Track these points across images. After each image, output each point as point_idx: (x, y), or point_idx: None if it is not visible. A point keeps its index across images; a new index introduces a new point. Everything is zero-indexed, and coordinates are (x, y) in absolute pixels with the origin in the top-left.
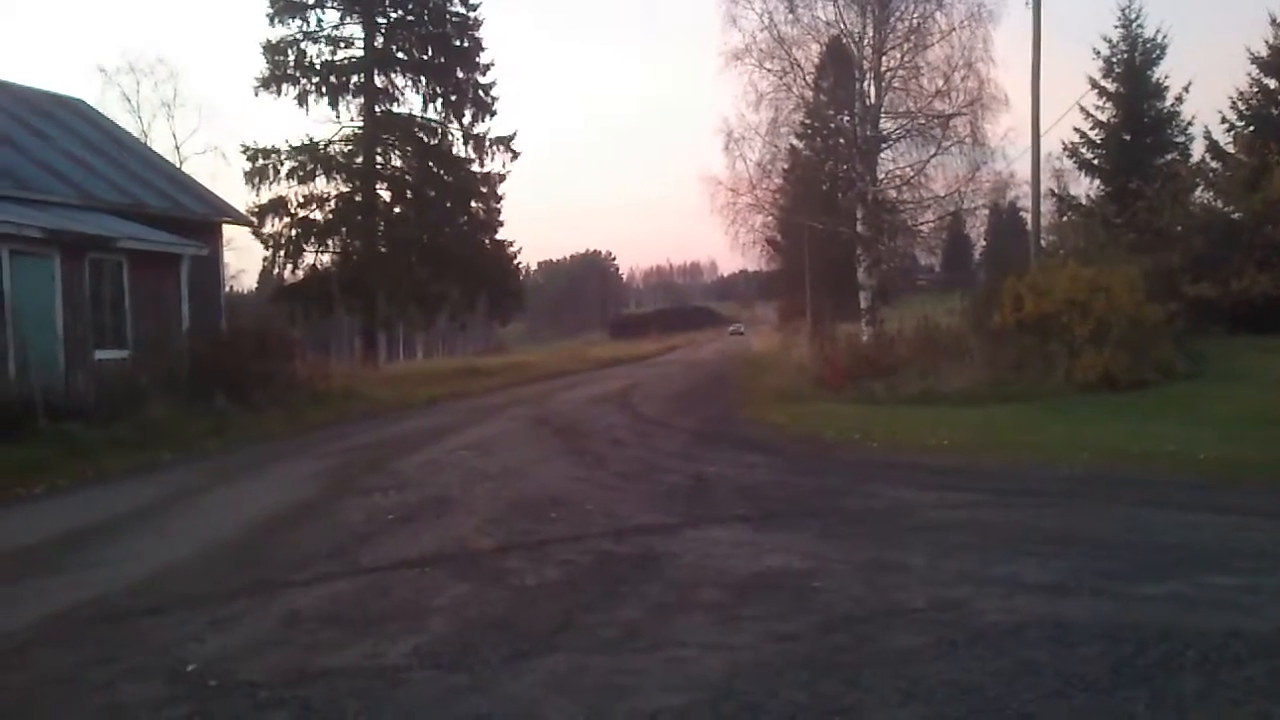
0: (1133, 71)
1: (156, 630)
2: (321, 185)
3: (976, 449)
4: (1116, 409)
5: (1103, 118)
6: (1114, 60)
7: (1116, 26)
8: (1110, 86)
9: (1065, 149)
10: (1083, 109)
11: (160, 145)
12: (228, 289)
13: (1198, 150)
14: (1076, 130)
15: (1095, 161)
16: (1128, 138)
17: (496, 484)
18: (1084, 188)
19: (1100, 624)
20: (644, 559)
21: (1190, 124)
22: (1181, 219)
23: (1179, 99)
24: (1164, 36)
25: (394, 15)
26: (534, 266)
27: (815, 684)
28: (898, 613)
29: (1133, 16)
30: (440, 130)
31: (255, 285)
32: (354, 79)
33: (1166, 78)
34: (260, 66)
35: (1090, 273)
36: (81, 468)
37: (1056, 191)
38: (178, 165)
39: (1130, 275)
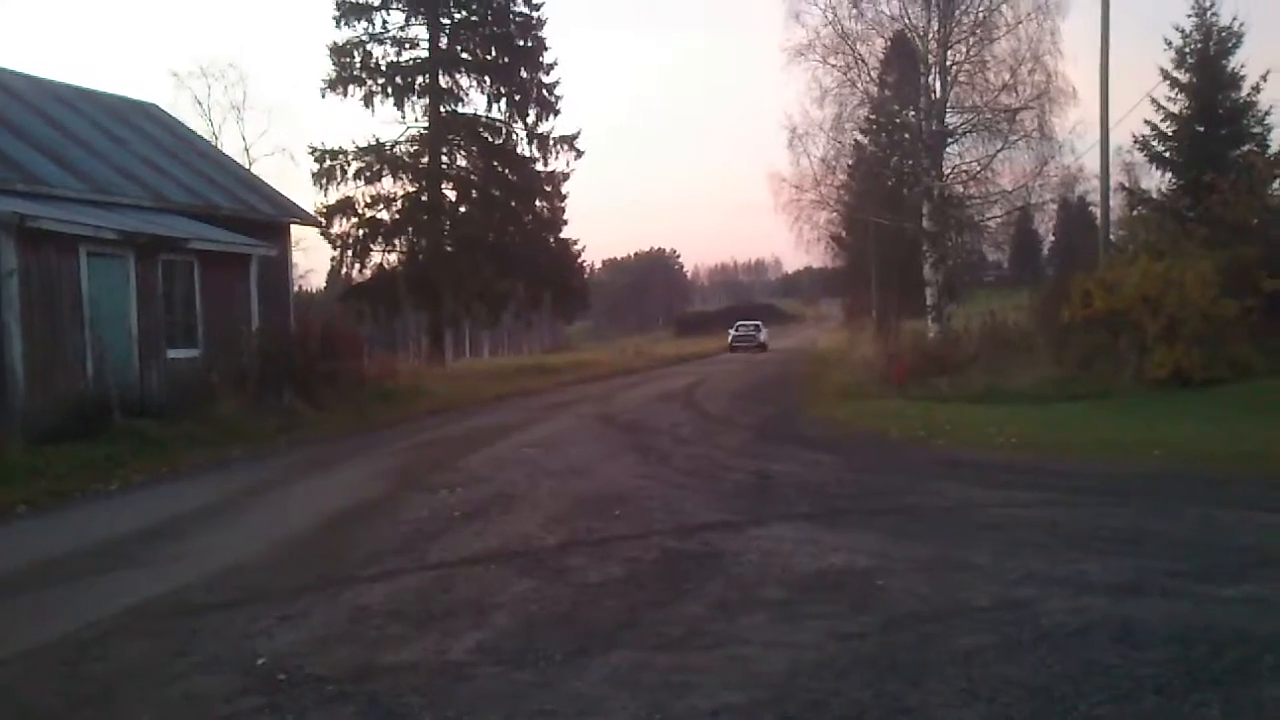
0: (1207, 61)
1: (229, 624)
2: (388, 185)
3: (1044, 447)
4: (1189, 407)
5: (1175, 109)
6: (1187, 50)
7: (1190, 15)
8: (1183, 77)
9: (1135, 142)
10: (1154, 101)
11: (230, 147)
12: (296, 288)
13: (1276, 141)
14: (1147, 123)
15: (1167, 154)
16: (1201, 129)
17: (561, 481)
18: (1155, 181)
19: (1172, 626)
20: (707, 557)
21: (1268, 114)
22: (1258, 212)
23: (1256, 88)
24: (1240, 24)
25: (458, 16)
26: (598, 264)
27: (879, 683)
28: (963, 612)
29: (1207, 4)
30: (504, 130)
31: (324, 284)
32: (419, 80)
33: (1243, 67)
34: (327, 68)
35: (1162, 268)
36: (155, 464)
37: (1127, 185)
38: (247, 167)
39: (1204, 270)
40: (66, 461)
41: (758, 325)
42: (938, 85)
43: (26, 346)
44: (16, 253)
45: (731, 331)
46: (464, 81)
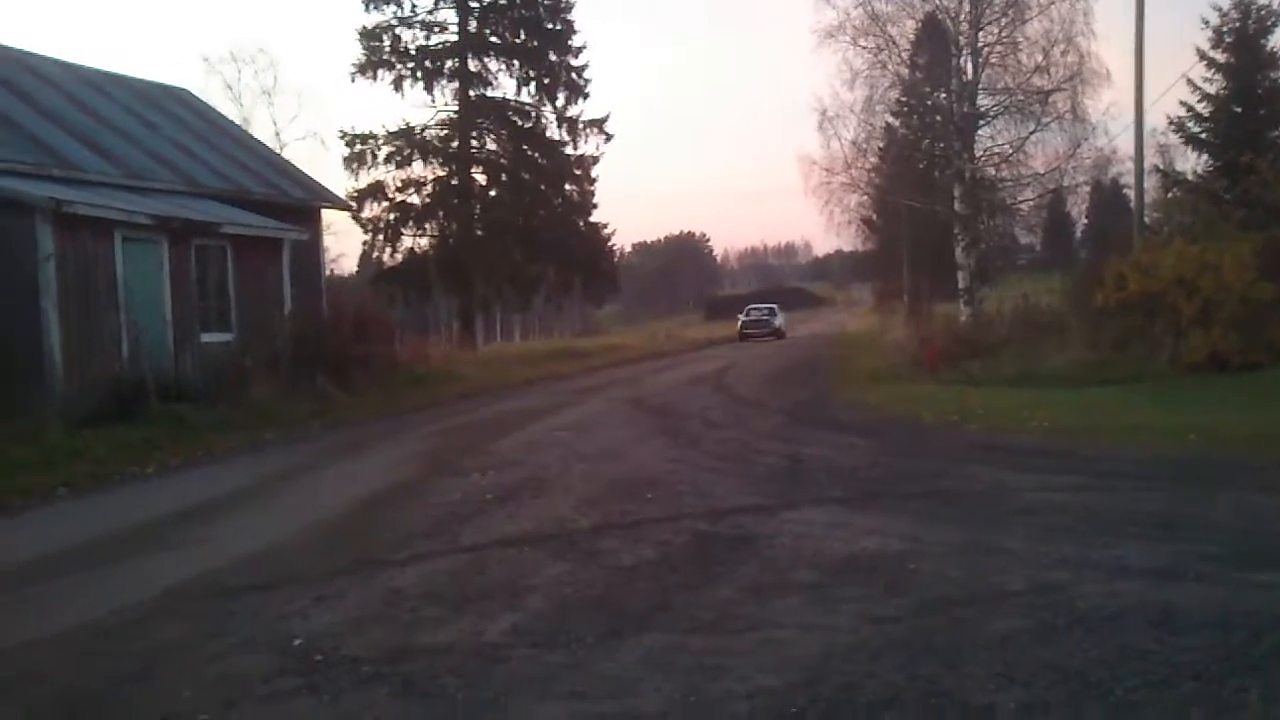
0: (1245, 41)
1: (265, 605)
2: (418, 169)
3: (1078, 431)
4: (1225, 391)
5: (1211, 90)
6: (1224, 30)
7: None
8: (1220, 57)
9: (1171, 123)
10: (1190, 82)
11: (261, 132)
12: (328, 272)
13: None
14: (1183, 104)
15: (1203, 136)
16: (1239, 110)
17: (592, 464)
18: (1191, 163)
19: (1209, 611)
20: (740, 540)
21: None
22: None
23: None
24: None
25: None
26: (628, 248)
27: (912, 666)
28: (996, 596)
29: None
30: (534, 113)
31: (355, 269)
32: (448, 63)
33: None
34: (356, 53)
35: (1197, 250)
36: (190, 448)
37: (1161, 167)
38: (278, 151)
39: (1241, 252)
40: (104, 444)
41: (773, 309)
42: (969, 67)
43: (64, 331)
44: (53, 238)
45: (741, 317)
46: (493, 65)
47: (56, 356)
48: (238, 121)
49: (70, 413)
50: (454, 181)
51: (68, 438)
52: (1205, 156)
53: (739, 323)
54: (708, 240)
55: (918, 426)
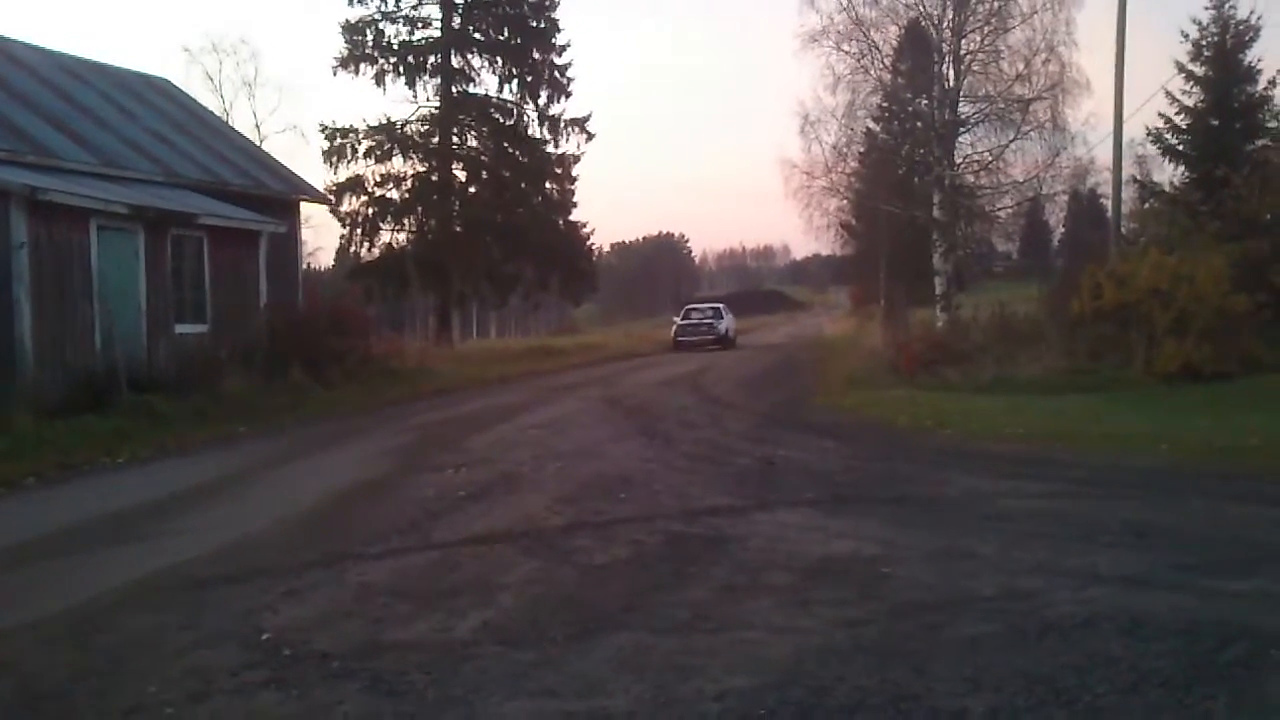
0: (1223, 55)
1: (234, 598)
2: (398, 164)
3: (1052, 439)
4: (1198, 401)
5: (1189, 102)
6: (1203, 43)
7: (1207, 8)
8: (1198, 70)
9: (1149, 134)
10: (1168, 94)
11: (241, 124)
12: (305, 266)
13: None
14: (1161, 115)
15: (1180, 147)
16: (1216, 123)
17: (567, 463)
18: (1168, 174)
19: (1178, 619)
20: (713, 541)
21: None
22: (1271, 207)
23: (1272, 83)
24: (1258, 18)
25: None
26: (607, 248)
27: (883, 670)
28: (968, 601)
29: None
30: (516, 111)
31: (332, 263)
32: (431, 59)
33: (1259, 61)
34: (339, 46)
35: (1173, 261)
36: (162, 439)
37: (1139, 178)
38: (258, 144)
39: (1215, 264)
40: (74, 434)
41: (717, 309)
42: (951, 74)
43: (36, 320)
44: (27, 225)
45: (677, 320)
46: (476, 62)
47: (27, 345)
48: (218, 113)
49: (40, 402)
50: (434, 177)
51: (37, 427)
52: (1182, 168)
53: (674, 326)
54: (686, 241)
55: (892, 431)
